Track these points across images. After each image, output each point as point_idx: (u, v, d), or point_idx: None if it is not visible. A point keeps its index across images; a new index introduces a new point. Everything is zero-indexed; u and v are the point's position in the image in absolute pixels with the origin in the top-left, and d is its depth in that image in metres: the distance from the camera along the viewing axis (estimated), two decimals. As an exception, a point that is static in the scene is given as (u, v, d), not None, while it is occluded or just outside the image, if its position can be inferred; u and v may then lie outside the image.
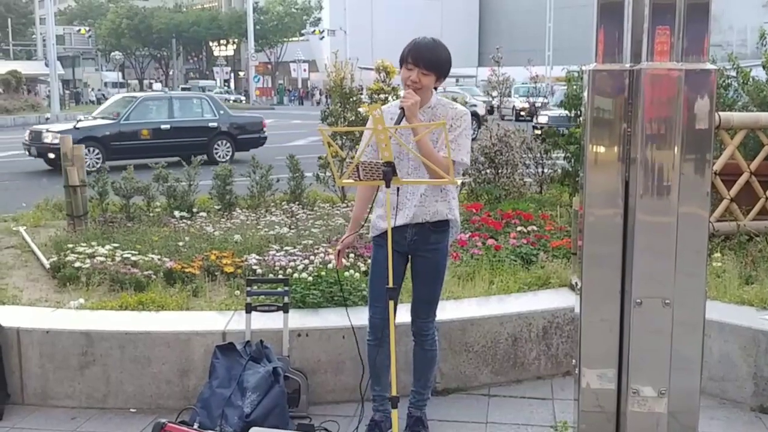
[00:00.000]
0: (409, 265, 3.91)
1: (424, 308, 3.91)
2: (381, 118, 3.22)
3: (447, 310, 4.66)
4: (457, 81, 55.80)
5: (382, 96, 8.29)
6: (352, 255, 5.50)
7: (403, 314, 3.93)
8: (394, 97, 7.94)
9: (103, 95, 61.91)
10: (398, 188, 3.66)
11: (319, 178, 8.73)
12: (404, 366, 4.08)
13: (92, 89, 63.35)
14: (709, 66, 2.86)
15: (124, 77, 77.06)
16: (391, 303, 3.39)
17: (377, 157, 3.53)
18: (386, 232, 3.73)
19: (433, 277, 3.86)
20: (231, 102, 59.75)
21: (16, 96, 39.61)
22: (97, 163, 15.44)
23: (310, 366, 4.36)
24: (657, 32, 2.85)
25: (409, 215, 3.73)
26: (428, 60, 3.63)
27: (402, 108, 3.56)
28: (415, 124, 3.56)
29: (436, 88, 3.79)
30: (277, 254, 5.74)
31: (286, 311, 4.33)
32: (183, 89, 67.90)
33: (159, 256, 5.76)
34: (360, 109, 8.62)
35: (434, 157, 3.53)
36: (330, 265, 5.29)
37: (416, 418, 3.99)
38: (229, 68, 74.55)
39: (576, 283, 3.20)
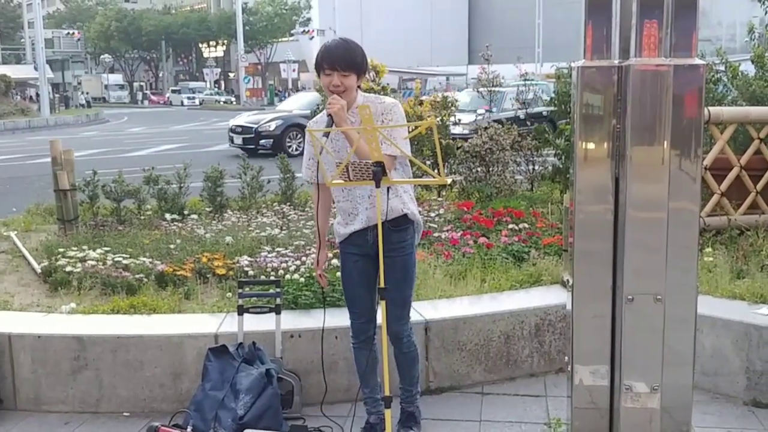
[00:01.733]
0: None
1: (397, 312, 3.78)
2: (370, 117, 3.21)
3: (439, 309, 4.67)
4: (448, 79, 55.86)
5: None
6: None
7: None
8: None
9: (93, 98, 61.81)
10: (350, 195, 3.69)
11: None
12: (393, 365, 4.06)
13: (82, 93, 63.13)
14: (697, 61, 2.86)
15: (125, 79, 76.51)
16: (382, 303, 3.39)
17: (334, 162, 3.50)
18: (349, 237, 3.76)
19: (401, 278, 3.75)
20: (222, 103, 59.80)
21: (5, 100, 39.44)
22: None
23: (303, 367, 4.35)
24: (645, 27, 2.85)
25: (364, 218, 3.69)
26: (343, 61, 3.55)
27: (329, 115, 3.49)
28: (364, 127, 3.53)
29: (359, 87, 3.73)
30: (269, 255, 5.73)
31: (278, 313, 4.32)
32: (173, 91, 67.87)
33: (150, 259, 5.74)
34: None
35: (363, 152, 3.41)
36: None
37: (408, 413, 4.00)
38: (219, 69, 74.53)
39: (567, 280, 3.21)
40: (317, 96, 10.52)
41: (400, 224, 3.73)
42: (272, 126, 19.87)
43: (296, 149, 18.66)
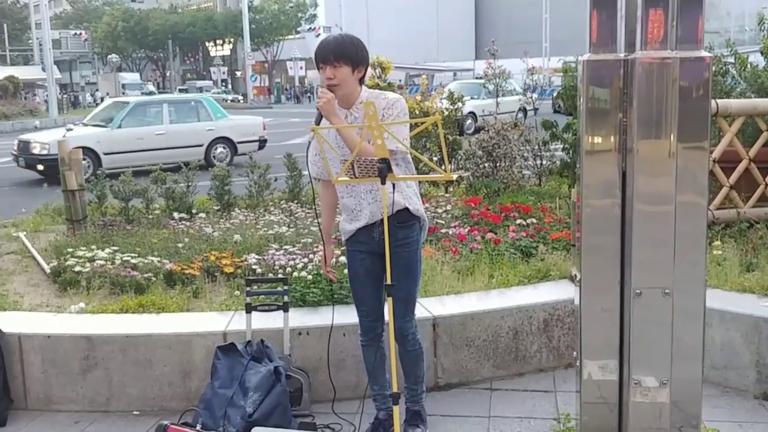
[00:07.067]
0: None
1: (402, 308, 3.74)
2: (375, 114, 3.20)
3: (447, 305, 4.66)
4: (455, 74, 55.81)
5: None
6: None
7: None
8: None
9: (102, 98, 61.88)
10: (354, 191, 3.68)
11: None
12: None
13: (91, 94, 63.08)
14: (703, 54, 2.84)
15: (142, 78, 75.98)
16: (390, 300, 3.38)
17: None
18: (356, 234, 3.74)
19: (406, 275, 3.72)
20: (229, 102, 59.74)
21: (14, 101, 39.65)
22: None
23: (311, 364, 4.35)
24: (650, 19, 2.83)
25: (368, 214, 3.68)
26: (332, 53, 3.55)
27: (318, 109, 3.52)
28: (369, 124, 3.51)
29: (361, 81, 3.69)
30: (277, 253, 5.73)
31: (286, 310, 4.32)
32: (180, 90, 67.79)
33: (159, 258, 5.75)
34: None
35: (366, 151, 3.37)
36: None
37: (414, 411, 3.98)
38: (226, 68, 74.53)
39: (575, 275, 3.20)
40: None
41: (405, 220, 3.69)
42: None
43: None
